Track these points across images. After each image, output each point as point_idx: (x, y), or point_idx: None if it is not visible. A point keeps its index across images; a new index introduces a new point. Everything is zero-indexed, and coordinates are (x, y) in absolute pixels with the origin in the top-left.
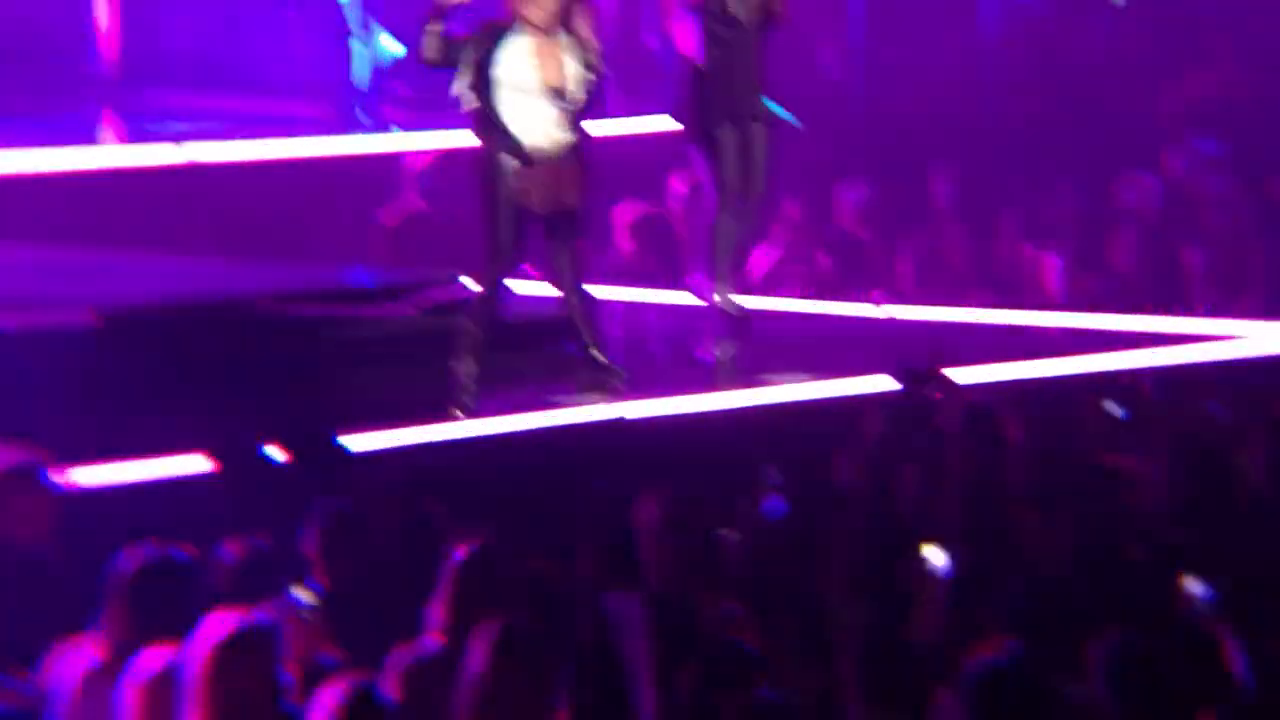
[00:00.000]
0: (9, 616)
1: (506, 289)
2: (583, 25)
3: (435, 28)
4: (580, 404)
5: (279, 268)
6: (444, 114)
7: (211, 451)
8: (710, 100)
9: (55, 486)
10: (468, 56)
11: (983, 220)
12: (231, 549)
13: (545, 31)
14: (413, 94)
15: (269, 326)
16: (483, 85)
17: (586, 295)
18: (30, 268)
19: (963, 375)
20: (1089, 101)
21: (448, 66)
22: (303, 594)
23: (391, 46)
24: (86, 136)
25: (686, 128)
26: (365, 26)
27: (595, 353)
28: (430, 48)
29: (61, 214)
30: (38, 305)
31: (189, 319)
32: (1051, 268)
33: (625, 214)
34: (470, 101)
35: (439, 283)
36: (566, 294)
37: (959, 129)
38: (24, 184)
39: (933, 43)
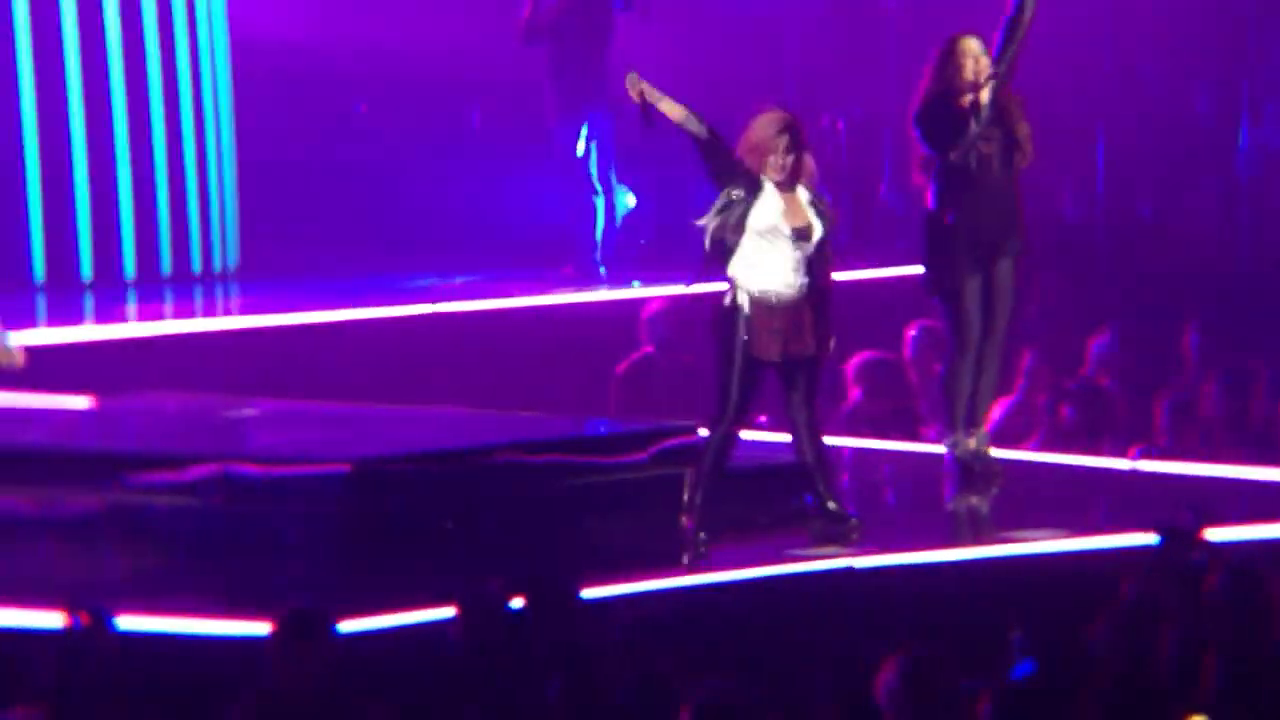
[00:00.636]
0: None
1: (738, 438)
2: (809, 176)
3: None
4: (815, 556)
5: (520, 419)
6: (678, 264)
7: (457, 602)
8: (956, 250)
9: (336, 637)
10: (724, 199)
11: (1238, 373)
12: None
13: (782, 186)
14: (648, 246)
15: (509, 476)
16: (734, 229)
17: (823, 445)
18: (286, 419)
19: (1224, 534)
20: None
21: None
22: None
23: (629, 200)
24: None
25: (929, 280)
26: (605, 180)
27: (831, 504)
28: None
29: (324, 368)
30: (295, 456)
31: (434, 469)
32: None
33: (858, 362)
34: (720, 243)
35: (676, 432)
36: (802, 444)
37: (1210, 276)
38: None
39: (1181, 186)
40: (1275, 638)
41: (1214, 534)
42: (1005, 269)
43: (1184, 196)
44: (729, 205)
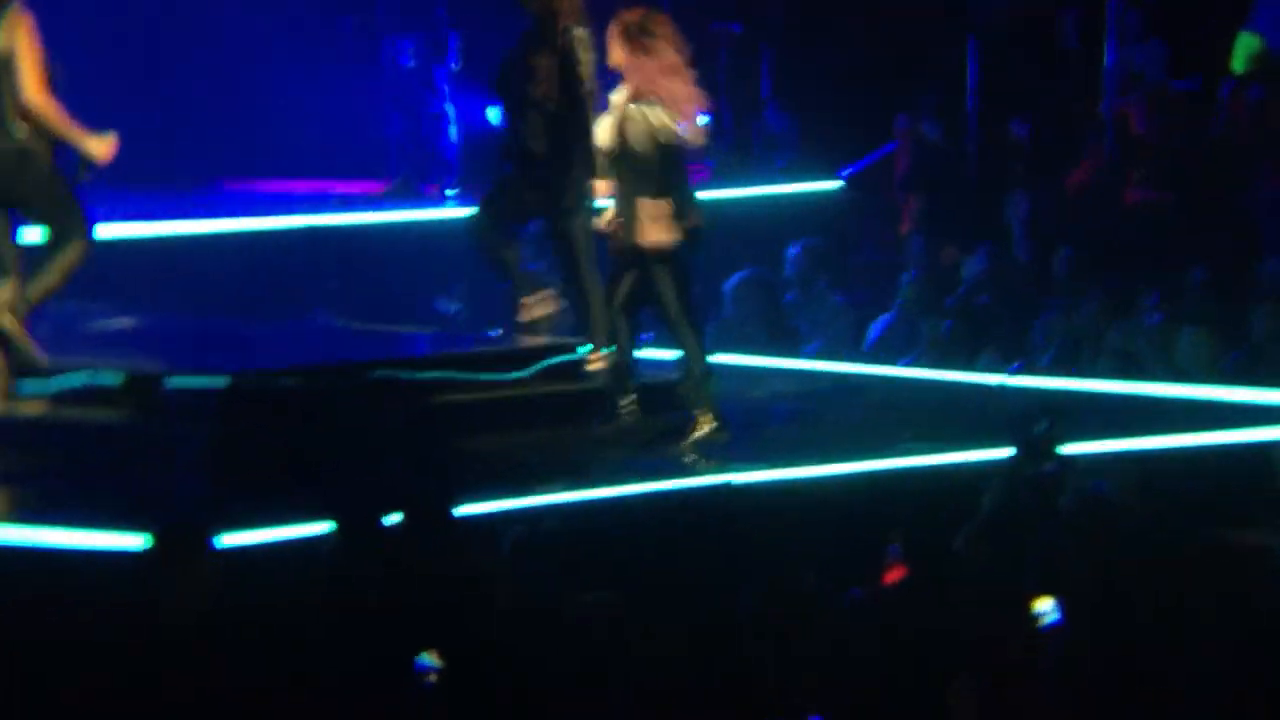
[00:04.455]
0: None
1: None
2: None
3: None
4: (695, 471)
5: (399, 335)
6: None
7: (333, 518)
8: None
9: (218, 552)
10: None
11: (1109, 292)
12: None
13: None
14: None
15: (389, 391)
16: None
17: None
18: (160, 335)
19: (1079, 447)
20: None
21: None
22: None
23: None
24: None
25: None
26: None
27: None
28: None
29: (184, 282)
30: (169, 370)
31: (310, 385)
32: None
33: (737, 279)
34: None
35: (558, 349)
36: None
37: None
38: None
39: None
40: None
41: (1068, 446)
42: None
43: (1055, 121)
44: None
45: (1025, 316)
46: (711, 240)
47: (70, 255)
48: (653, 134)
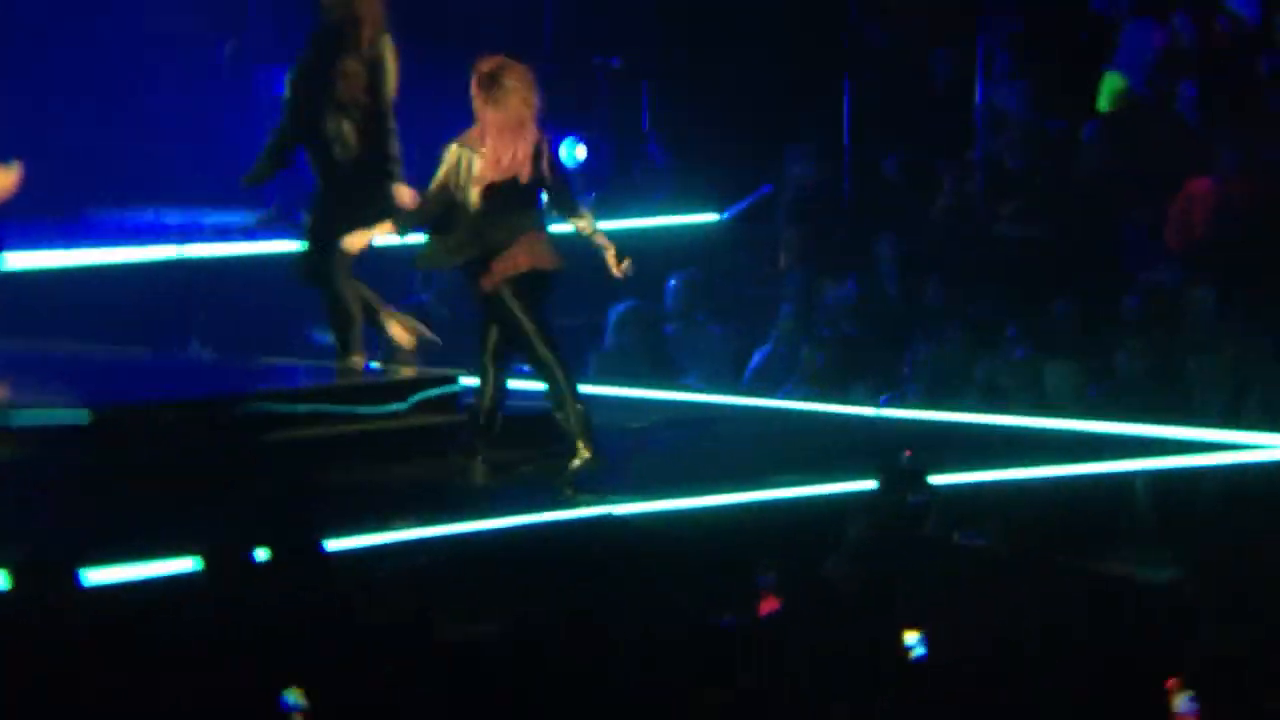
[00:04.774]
0: None
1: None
2: None
3: None
4: (575, 502)
5: (272, 367)
6: None
7: (201, 554)
8: None
9: (81, 585)
10: None
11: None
12: None
13: None
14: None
15: (258, 424)
16: None
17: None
18: (24, 365)
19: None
20: None
21: None
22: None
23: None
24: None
25: None
26: None
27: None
28: None
29: (55, 312)
30: (34, 403)
31: (180, 418)
32: None
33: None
34: None
35: (436, 381)
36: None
37: (954, 231)
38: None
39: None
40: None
41: (934, 477)
42: None
43: (927, 154)
44: None
45: (895, 348)
46: (594, 271)
47: None
48: (468, 179)
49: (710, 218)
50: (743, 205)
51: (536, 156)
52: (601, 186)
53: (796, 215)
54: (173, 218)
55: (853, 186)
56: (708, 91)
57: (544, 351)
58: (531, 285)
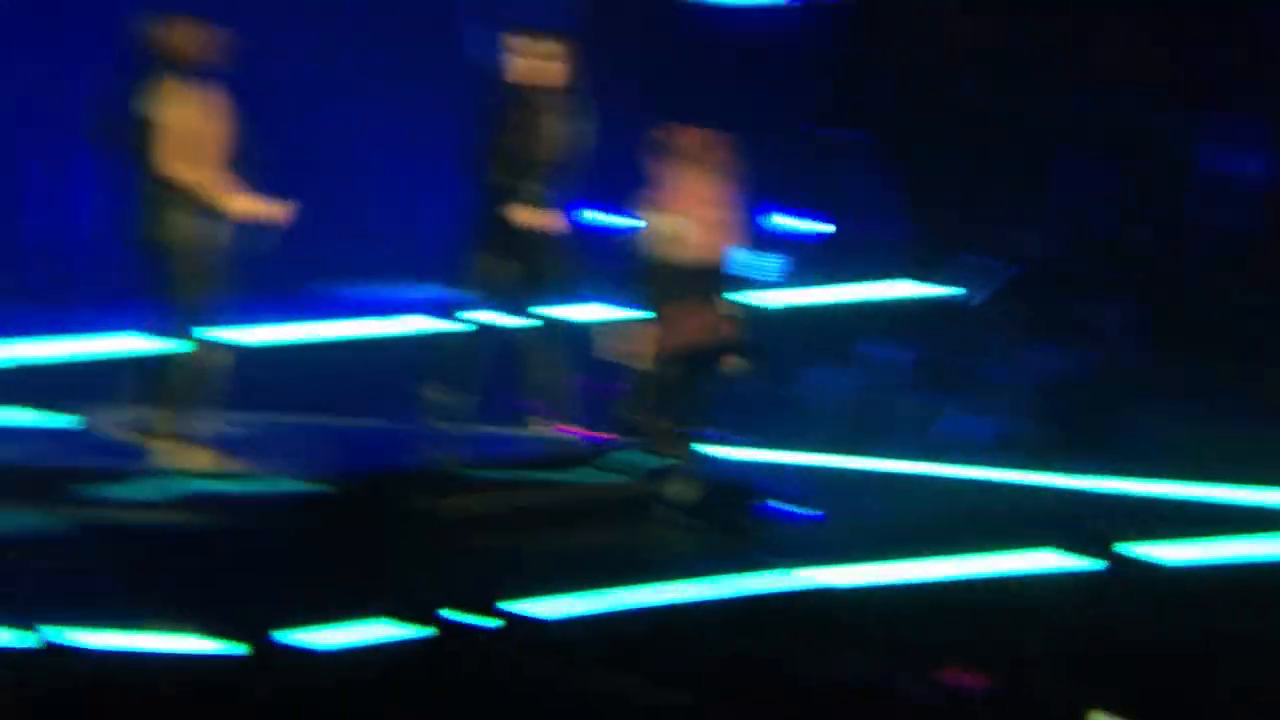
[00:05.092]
0: None
1: None
2: None
3: None
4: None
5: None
6: None
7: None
8: None
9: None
10: None
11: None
12: None
13: None
14: None
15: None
16: None
17: None
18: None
19: None
20: None
21: None
22: None
23: None
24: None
25: None
26: None
27: None
28: None
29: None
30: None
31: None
32: None
33: None
34: None
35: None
36: None
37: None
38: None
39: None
40: None
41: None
42: None
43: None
44: None
45: (1123, 418)
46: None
47: None
48: None
49: (939, 290)
50: (995, 285)
51: None
52: (816, 257)
53: (1021, 288)
54: (390, 293)
55: (1076, 258)
56: (931, 165)
57: None
58: None
